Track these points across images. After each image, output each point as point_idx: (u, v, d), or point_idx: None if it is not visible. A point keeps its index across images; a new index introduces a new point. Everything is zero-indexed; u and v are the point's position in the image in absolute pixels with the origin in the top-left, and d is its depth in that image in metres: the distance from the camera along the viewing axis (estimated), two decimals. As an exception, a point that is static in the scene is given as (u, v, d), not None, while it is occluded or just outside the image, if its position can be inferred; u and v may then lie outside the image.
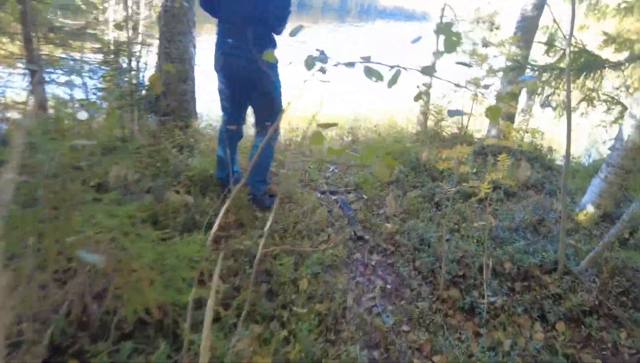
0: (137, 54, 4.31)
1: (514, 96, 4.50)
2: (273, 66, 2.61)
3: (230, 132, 2.85)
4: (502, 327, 2.12)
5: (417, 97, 2.28)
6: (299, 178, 3.58)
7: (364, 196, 3.46)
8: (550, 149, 5.03)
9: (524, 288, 2.34)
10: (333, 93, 7.66)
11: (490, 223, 2.27)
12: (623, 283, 2.36)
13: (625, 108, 3.40)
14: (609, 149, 3.10)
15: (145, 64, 4.52)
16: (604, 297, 2.25)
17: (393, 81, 1.33)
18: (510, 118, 4.91)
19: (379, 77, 1.27)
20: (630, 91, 4.42)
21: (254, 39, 2.45)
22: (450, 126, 5.30)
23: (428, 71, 1.38)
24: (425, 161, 3.92)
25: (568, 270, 2.37)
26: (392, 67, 1.31)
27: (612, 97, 3.90)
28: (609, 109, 3.98)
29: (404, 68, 1.32)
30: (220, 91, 2.84)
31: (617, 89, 4.53)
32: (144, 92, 4.24)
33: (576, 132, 5.64)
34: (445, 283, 2.30)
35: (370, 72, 1.27)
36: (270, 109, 2.71)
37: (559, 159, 5.15)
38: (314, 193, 3.37)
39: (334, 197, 3.40)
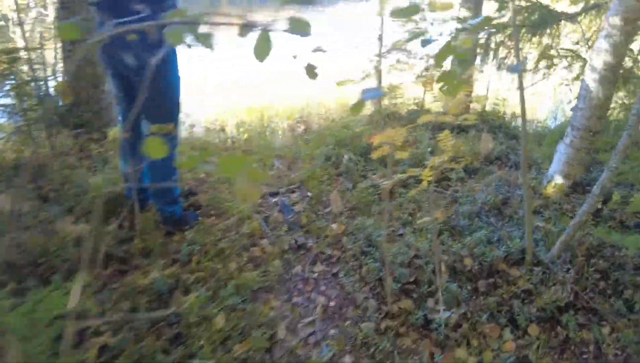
0: (40, 59, 3.75)
1: (466, 63, 4.12)
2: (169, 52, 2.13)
3: (132, 140, 2.36)
4: (464, 341, 1.75)
5: (340, 84, 1.90)
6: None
7: (309, 193, 3.04)
8: (514, 116, 4.69)
9: (488, 287, 1.97)
10: (282, 78, 7.27)
11: (437, 218, 1.88)
12: (601, 265, 2.02)
13: (586, 63, 3.05)
14: (572, 110, 2.75)
15: (54, 71, 3.96)
16: (581, 288, 1.91)
17: (261, 51, 0.89)
18: (467, 82, 4.54)
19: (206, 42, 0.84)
20: (590, 43, 4.10)
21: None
22: (408, 103, 4.91)
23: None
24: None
25: (538, 260, 2.01)
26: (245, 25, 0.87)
27: (572, 51, 3.54)
28: (570, 65, 3.63)
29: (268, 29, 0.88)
30: (112, 91, 2.35)
31: (577, 43, 4.19)
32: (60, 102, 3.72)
33: (540, 95, 5.35)
34: (393, 294, 1.91)
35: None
36: (158, 107, 2.15)
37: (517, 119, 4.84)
38: (249, 198, 2.93)
39: (274, 199, 2.96)
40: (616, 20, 2.32)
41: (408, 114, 4.67)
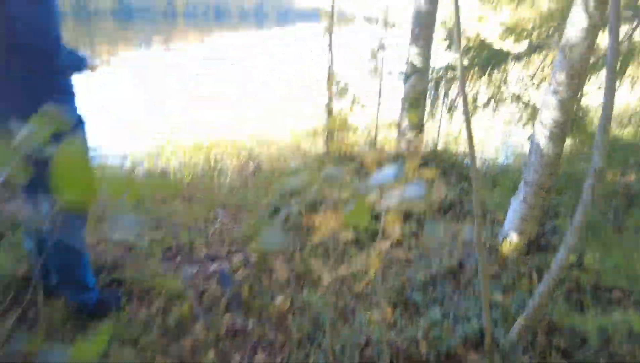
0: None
1: (418, 102, 4.05)
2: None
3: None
4: None
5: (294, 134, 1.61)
6: (169, 246, 2.80)
7: (253, 255, 2.75)
8: (465, 154, 4.68)
9: (446, 378, 1.76)
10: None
11: (386, 314, 1.67)
12: (561, 344, 1.88)
13: (534, 110, 3.03)
14: (524, 165, 2.67)
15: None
16: (544, 377, 1.74)
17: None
18: (419, 126, 4.47)
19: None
20: (534, 82, 4.16)
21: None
22: (359, 142, 4.78)
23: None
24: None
25: (497, 343, 1.82)
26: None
27: (518, 96, 3.54)
28: (519, 110, 3.61)
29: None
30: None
31: (525, 82, 4.25)
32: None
33: (490, 130, 5.43)
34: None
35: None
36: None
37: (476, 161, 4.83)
38: (183, 267, 2.60)
39: (212, 267, 2.65)
40: (562, 77, 2.25)
41: (360, 154, 4.53)
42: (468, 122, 1.89)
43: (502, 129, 5.36)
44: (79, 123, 1.85)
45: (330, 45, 4.59)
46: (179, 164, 5.01)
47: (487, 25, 6.13)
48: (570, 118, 2.38)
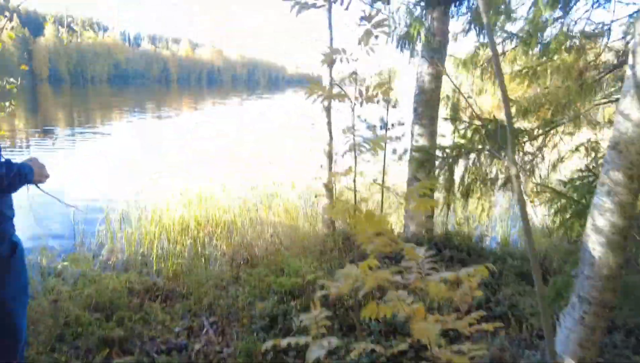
0: None
1: (425, 183, 3.71)
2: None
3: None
4: None
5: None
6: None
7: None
8: (483, 236, 4.29)
9: None
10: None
11: None
12: None
13: (575, 202, 2.67)
14: (573, 275, 2.24)
15: None
16: None
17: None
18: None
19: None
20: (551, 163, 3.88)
21: None
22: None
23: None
24: (336, 300, 2.80)
25: None
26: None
27: (552, 189, 3.19)
28: (551, 203, 3.24)
29: None
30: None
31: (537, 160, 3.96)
32: None
33: (497, 207, 5.14)
34: None
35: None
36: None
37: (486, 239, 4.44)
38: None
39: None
40: (619, 176, 1.90)
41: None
42: (524, 213, 1.54)
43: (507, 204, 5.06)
44: (12, 253, 1.41)
45: (329, 123, 4.34)
46: (162, 251, 4.51)
47: (485, 97, 6.03)
48: (631, 224, 2.00)
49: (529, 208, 5.46)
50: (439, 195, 4.27)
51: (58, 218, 5.74)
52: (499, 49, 4.23)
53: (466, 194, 3.50)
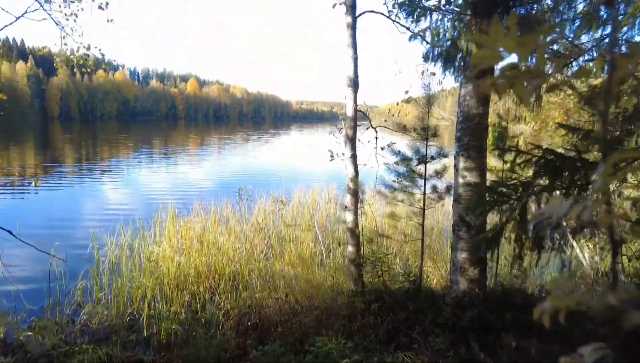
0: None
1: (478, 229, 2.97)
2: None
3: None
4: None
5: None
6: None
7: None
8: (542, 291, 3.48)
9: None
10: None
11: None
12: None
13: None
14: None
15: None
16: None
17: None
18: (481, 261, 3.33)
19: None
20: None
21: None
22: (397, 276, 3.59)
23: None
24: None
25: None
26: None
27: None
28: None
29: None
30: None
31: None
32: None
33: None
34: None
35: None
36: None
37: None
38: None
39: None
40: None
41: (403, 295, 3.30)
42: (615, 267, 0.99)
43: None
44: None
45: (353, 156, 3.68)
46: (155, 310, 3.74)
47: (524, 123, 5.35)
48: None
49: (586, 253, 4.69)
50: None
51: (35, 270, 5.02)
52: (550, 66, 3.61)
53: (539, 244, 2.75)
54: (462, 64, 3.27)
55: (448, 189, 3.49)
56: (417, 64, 4.90)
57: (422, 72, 5.17)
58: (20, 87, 79.35)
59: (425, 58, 3.33)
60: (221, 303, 3.80)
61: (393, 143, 4.75)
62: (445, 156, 3.53)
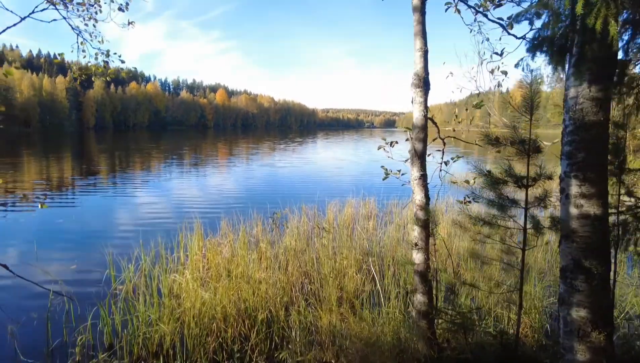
0: None
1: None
2: None
3: None
4: None
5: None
6: None
7: None
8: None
9: None
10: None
11: None
12: None
13: None
14: None
15: None
16: None
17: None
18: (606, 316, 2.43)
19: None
20: None
21: None
22: (482, 334, 2.73)
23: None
24: None
25: None
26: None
27: None
28: None
29: None
30: None
31: None
32: None
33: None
34: None
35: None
36: None
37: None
38: None
39: None
40: None
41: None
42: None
43: None
44: None
45: (423, 177, 2.87)
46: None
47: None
48: None
49: None
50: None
51: (36, 306, 4.42)
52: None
53: None
54: (574, 55, 2.42)
55: (554, 222, 2.62)
56: (486, 60, 4.05)
57: (492, 71, 4.31)
58: (59, 100, 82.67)
59: (535, 47, 2.48)
60: (253, 359, 3.04)
61: (459, 157, 3.91)
62: (550, 177, 2.65)
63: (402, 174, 3.75)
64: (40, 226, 8.37)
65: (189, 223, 7.59)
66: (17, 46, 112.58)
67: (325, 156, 27.66)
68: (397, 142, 4.09)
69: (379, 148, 4.15)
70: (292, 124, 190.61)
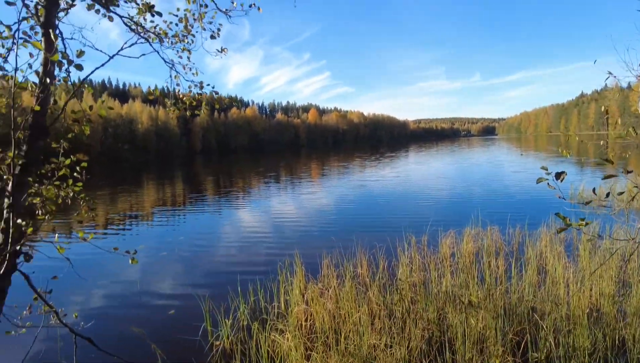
0: None
1: None
2: None
3: None
4: None
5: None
6: None
7: None
8: None
9: None
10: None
11: None
12: None
13: None
14: None
15: None
16: None
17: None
18: None
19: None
20: None
21: None
22: None
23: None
24: None
25: None
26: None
27: None
28: None
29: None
30: None
31: None
32: None
33: None
34: None
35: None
36: None
37: None
38: None
39: None
40: None
41: None
42: None
43: None
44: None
45: None
46: None
47: None
48: None
49: None
50: None
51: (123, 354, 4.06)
52: None
53: None
54: None
55: None
56: None
57: None
58: (172, 128, 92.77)
59: None
60: None
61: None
62: None
63: (585, 224, 2.57)
64: (146, 260, 8.54)
65: (289, 256, 7.01)
66: (139, 84, 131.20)
67: (423, 173, 25.96)
68: (565, 173, 2.91)
69: (539, 181, 3.00)
70: (383, 137, 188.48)
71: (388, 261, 6.30)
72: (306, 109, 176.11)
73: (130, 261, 3.56)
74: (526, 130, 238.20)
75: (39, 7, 3.42)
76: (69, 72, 2.97)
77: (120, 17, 4.58)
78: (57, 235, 2.96)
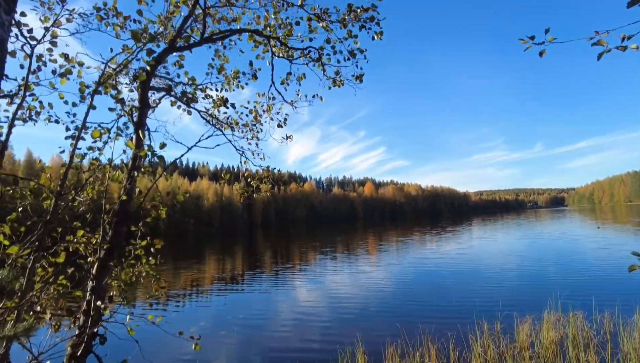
0: None
1: None
2: None
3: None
4: None
5: None
6: None
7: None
8: None
9: None
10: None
11: None
12: None
13: None
14: None
15: None
16: None
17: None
18: None
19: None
20: None
21: None
22: None
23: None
24: None
25: None
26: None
27: None
28: None
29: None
30: None
31: None
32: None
33: None
34: None
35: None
36: None
37: None
38: None
39: None
40: None
41: None
42: None
43: None
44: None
45: None
46: None
47: None
48: None
49: None
50: None
51: None
52: None
53: None
54: None
55: None
56: None
57: None
58: (234, 203, 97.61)
59: None
60: None
61: None
62: None
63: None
64: (205, 340, 8.52)
65: (349, 343, 6.65)
66: (207, 163, 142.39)
67: (490, 249, 24.36)
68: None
69: (631, 269, 2.69)
70: (443, 209, 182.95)
71: (459, 352, 5.74)
72: (362, 183, 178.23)
73: (193, 347, 3.57)
74: (600, 200, 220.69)
75: (133, 108, 3.95)
76: (152, 163, 3.30)
77: (199, 111, 5.15)
78: (128, 316, 3.09)
